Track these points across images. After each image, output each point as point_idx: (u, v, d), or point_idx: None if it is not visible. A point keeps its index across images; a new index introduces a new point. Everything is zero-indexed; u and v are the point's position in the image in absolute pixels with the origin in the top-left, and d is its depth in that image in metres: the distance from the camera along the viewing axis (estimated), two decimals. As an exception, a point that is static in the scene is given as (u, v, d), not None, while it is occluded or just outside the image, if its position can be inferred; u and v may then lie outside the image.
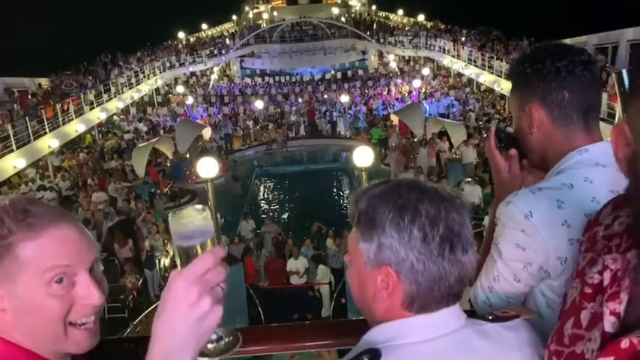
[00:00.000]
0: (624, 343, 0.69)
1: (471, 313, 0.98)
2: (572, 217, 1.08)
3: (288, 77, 36.13)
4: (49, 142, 18.87)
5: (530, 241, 1.10)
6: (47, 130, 18.87)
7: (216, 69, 35.29)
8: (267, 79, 36.00)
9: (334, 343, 1.54)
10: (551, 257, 1.10)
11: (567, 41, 22.68)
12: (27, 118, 17.81)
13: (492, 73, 24.47)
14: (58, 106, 20.16)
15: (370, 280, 0.90)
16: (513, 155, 1.31)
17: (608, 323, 0.74)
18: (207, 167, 10.91)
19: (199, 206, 0.78)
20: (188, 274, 0.73)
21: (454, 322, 0.90)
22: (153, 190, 17.03)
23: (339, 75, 35.63)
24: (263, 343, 1.54)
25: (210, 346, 0.78)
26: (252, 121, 26.49)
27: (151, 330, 0.75)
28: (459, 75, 30.95)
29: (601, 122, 1.34)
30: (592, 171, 1.16)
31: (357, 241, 0.91)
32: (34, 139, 17.92)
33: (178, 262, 0.76)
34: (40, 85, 23.39)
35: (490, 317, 0.95)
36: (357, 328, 0.98)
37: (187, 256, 0.75)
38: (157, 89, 31.96)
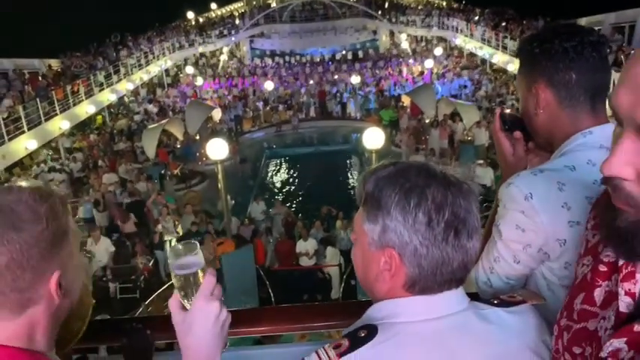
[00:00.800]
0: (637, 327, 0.70)
1: (477, 297, 1.00)
2: (573, 200, 1.09)
3: (298, 57, 35.89)
4: (60, 124, 18.99)
5: (530, 223, 1.11)
6: (58, 111, 18.95)
7: (225, 49, 35.11)
8: (277, 59, 35.79)
9: (342, 324, 1.54)
10: (550, 239, 1.11)
11: (583, 20, 22.38)
12: (38, 99, 17.89)
13: (506, 53, 24.10)
14: (68, 88, 20.22)
15: (374, 261, 0.91)
16: (518, 138, 1.32)
17: (623, 303, 0.74)
18: (217, 148, 10.93)
19: (193, 243, 0.96)
20: (205, 292, 0.93)
21: (455, 304, 0.91)
22: (163, 171, 17.10)
23: (349, 55, 35.31)
24: (271, 324, 1.56)
25: None
26: (262, 103, 26.41)
27: (182, 346, 0.92)
28: (472, 55, 30.54)
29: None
30: (595, 153, 1.15)
31: (363, 221, 0.92)
32: (45, 121, 18.01)
33: (175, 286, 0.94)
34: (50, 66, 23.43)
35: (495, 302, 0.96)
36: (365, 308, 0.97)
37: (184, 281, 0.93)
38: (167, 70, 31.91)
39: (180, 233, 11.82)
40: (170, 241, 11.83)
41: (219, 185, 11.18)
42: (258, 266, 10.47)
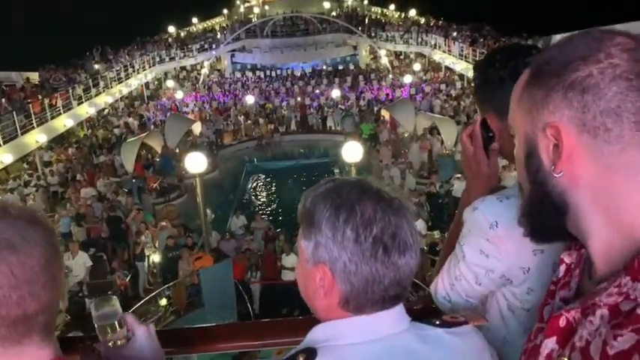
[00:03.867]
0: (562, 321, 0.72)
1: (422, 313, 0.97)
2: None
3: (279, 72, 36.05)
4: (37, 137, 18.70)
5: (494, 250, 1.09)
6: (35, 124, 18.69)
7: (206, 63, 35.14)
8: (258, 73, 35.90)
9: None
10: (513, 267, 1.10)
11: (557, 36, 22.81)
12: (14, 112, 17.63)
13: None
14: (46, 101, 19.97)
15: (310, 278, 0.91)
16: (496, 149, 1.27)
17: (556, 308, 0.77)
18: (196, 162, 10.91)
19: (113, 297, 1.08)
20: (136, 321, 1.08)
21: (394, 325, 0.89)
22: (141, 185, 16.94)
23: (330, 70, 35.60)
24: (249, 339, 1.55)
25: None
26: (243, 116, 26.42)
27: None
28: (450, 70, 31.02)
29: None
30: None
31: (300, 238, 0.92)
32: (22, 134, 17.74)
33: (99, 331, 1.05)
34: (28, 79, 23.15)
35: (437, 322, 0.94)
36: None
37: (104, 329, 1.05)
38: (147, 84, 31.75)
39: (157, 247, 11.73)
40: (148, 256, 11.73)
41: (198, 199, 11.12)
42: (237, 281, 10.41)
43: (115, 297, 1.09)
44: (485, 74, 1.21)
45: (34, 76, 23.83)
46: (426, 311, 1.17)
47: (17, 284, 0.78)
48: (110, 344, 1.05)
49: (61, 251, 0.87)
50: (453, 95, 27.00)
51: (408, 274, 0.89)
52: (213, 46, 35.13)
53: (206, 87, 32.91)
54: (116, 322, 1.05)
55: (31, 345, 0.83)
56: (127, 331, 1.06)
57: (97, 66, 26.79)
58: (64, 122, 21.10)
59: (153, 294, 10.58)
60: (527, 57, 1.16)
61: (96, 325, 1.05)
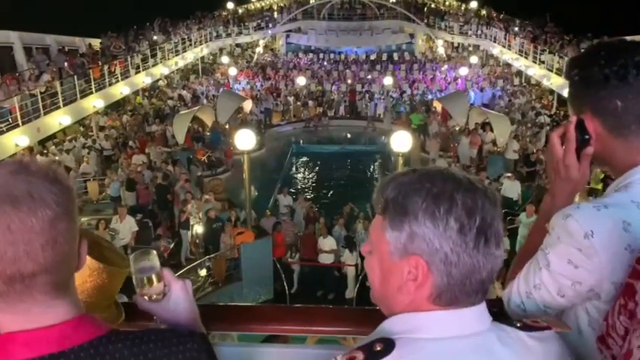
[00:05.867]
0: None
1: (500, 315, 0.93)
2: (637, 242, 0.99)
3: (332, 55, 35.85)
4: (95, 102, 19.35)
5: (586, 262, 1.02)
6: (94, 90, 19.34)
7: (261, 42, 35.30)
8: (311, 55, 35.83)
9: (352, 331, 1.52)
10: (605, 281, 1.02)
11: (627, 39, 21.77)
12: (75, 76, 18.28)
13: (543, 66, 23.62)
14: (106, 68, 20.59)
15: (396, 271, 0.87)
16: (589, 153, 1.17)
17: None
18: (245, 139, 11.04)
19: (152, 252, 1.10)
20: (172, 276, 1.09)
21: (477, 323, 0.87)
22: (191, 156, 17.34)
23: (384, 56, 35.13)
24: (284, 323, 1.56)
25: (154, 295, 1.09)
26: (293, 97, 26.51)
27: (179, 318, 1.07)
28: (508, 66, 30.07)
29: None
30: None
31: (384, 229, 0.87)
32: (81, 98, 18.39)
33: (136, 284, 1.07)
34: (90, 45, 23.89)
35: (519, 325, 0.91)
36: (376, 318, 0.94)
37: (142, 280, 1.07)
38: (202, 58, 32.22)
39: (202, 218, 11.98)
40: (192, 226, 12.02)
41: (244, 175, 11.27)
42: (276, 259, 10.54)
43: (154, 251, 1.11)
44: (586, 71, 1.13)
45: (96, 43, 24.57)
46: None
47: (14, 240, 0.75)
48: (146, 297, 1.07)
49: (75, 214, 0.83)
50: (510, 92, 26.22)
51: (499, 266, 0.87)
52: (270, 25, 35.19)
53: (259, 66, 33.14)
54: (153, 275, 1.07)
55: (36, 304, 0.81)
56: (163, 286, 1.08)
57: (155, 37, 27.37)
58: (120, 90, 21.73)
59: (194, 264, 10.85)
60: (636, 55, 1.09)
61: (133, 277, 1.08)
